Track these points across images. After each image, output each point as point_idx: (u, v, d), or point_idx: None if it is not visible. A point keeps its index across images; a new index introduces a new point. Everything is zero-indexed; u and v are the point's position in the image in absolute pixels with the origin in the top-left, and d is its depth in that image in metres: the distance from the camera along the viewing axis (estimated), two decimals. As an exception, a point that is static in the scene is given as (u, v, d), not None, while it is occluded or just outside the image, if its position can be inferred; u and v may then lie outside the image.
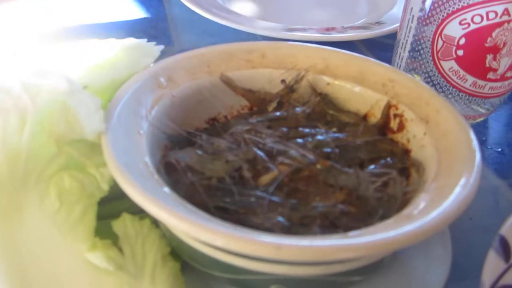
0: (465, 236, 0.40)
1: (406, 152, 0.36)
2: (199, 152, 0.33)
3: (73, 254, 0.28)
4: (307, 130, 0.36)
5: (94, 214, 0.30)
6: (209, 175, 0.32)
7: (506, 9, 0.42)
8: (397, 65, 0.52)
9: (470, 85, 0.47)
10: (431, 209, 0.26)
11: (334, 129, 0.37)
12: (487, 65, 0.45)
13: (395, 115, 0.38)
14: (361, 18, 0.69)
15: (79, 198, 0.30)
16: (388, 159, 0.34)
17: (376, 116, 0.39)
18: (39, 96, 0.28)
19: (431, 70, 0.48)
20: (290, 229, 0.29)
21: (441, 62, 0.47)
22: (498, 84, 0.47)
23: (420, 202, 0.28)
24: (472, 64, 0.46)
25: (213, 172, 0.32)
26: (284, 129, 0.36)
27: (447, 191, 0.28)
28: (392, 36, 0.63)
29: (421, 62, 0.49)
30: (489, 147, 0.50)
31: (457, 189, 0.27)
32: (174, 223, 0.24)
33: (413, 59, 0.49)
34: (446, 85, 0.48)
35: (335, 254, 0.23)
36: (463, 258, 0.36)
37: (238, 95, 0.41)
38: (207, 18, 0.62)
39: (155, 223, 0.31)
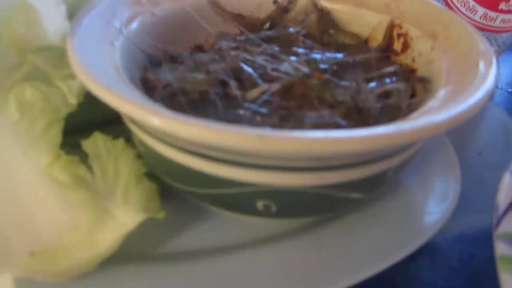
0: (474, 171, 0.36)
1: (411, 71, 0.32)
2: (181, 68, 0.30)
3: (33, 167, 0.25)
4: (301, 50, 0.33)
5: (60, 129, 0.27)
6: (190, 90, 0.28)
7: None
8: None
9: (480, 17, 0.43)
10: (445, 107, 0.23)
11: (333, 51, 0.34)
12: (500, -7, 0.42)
13: (399, 35, 0.34)
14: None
15: (43, 111, 0.26)
16: (393, 78, 0.31)
17: (378, 40, 0.35)
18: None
19: (438, 0, 0.44)
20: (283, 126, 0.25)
21: (449, -8, 0.43)
22: (511, 16, 0.43)
23: (428, 105, 0.25)
24: (483, -8, 0.42)
25: (194, 86, 0.28)
26: (276, 49, 0.32)
27: (459, 93, 0.24)
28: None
29: (427, -4, 0.45)
30: (499, 87, 0.47)
31: (470, 90, 0.24)
32: (145, 117, 0.21)
33: (418, -6, 0.46)
34: (454, 19, 0.44)
35: (332, 145, 0.20)
36: (472, 192, 0.33)
37: (226, 21, 0.37)
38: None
39: (130, 141, 0.28)
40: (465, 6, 0.43)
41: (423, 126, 0.21)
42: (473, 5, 0.43)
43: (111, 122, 0.29)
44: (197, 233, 0.28)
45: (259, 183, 0.23)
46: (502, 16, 0.43)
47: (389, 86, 0.28)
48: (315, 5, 0.35)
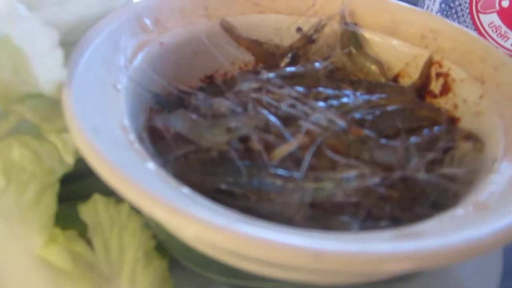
0: None
1: (453, 121, 0.29)
2: (194, 116, 0.25)
3: (24, 249, 0.21)
4: (329, 91, 0.29)
5: (54, 197, 0.22)
6: (206, 147, 0.24)
7: None
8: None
9: (511, 45, 0.40)
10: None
11: (362, 91, 0.30)
12: (536, 19, 0.38)
13: (438, 74, 0.30)
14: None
15: (34, 175, 0.22)
16: (436, 128, 0.27)
17: (411, 76, 0.32)
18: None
19: (467, 26, 0.40)
20: (317, 220, 0.22)
21: (480, 15, 0.40)
22: (546, 43, 0.40)
23: (490, 186, 0.21)
24: (518, 18, 0.38)
25: (211, 143, 0.24)
26: (301, 89, 0.28)
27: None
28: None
29: (455, 16, 0.41)
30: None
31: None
32: (161, 215, 0.17)
33: (444, 13, 0.42)
34: (484, 44, 0.40)
35: (395, 264, 0.16)
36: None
37: (241, 47, 0.33)
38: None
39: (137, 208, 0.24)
40: (496, 31, 0.39)
41: (503, 232, 0.17)
42: (505, 31, 0.39)
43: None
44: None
45: (295, 281, 0.20)
46: (536, 43, 0.40)
47: (444, 154, 0.24)
48: (343, 24, 0.31)
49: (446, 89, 0.30)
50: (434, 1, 0.43)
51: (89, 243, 0.22)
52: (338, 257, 0.15)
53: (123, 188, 0.17)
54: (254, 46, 0.33)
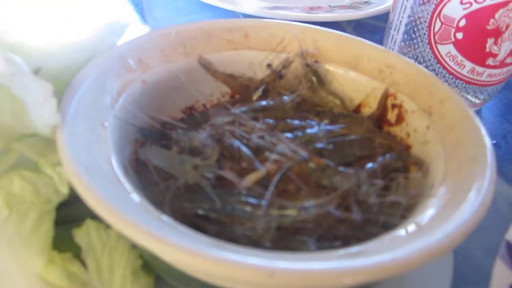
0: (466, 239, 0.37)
1: (406, 148, 0.32)
2: (166, 152, 0.29)
3: (26, 271, 0.24)
4: (296, 122, 0.32)
5: (51, 223, 0.26)
6: (181, 179, 0.27)
7: (512, -11, 0.39)
8: (390, 49, 0.48)
9: (468, 72, 0.44)
10: (444, 219, 0.23)
11: (326, 121, 0.33)
12: (487, 49, 0.42)
13: (394, 106, 0.34)
14: (348, -4, 0.64)
15: (33, 204, 0.25)
16: (387, 155, 0.31)
17: (371, 106, 0.35)
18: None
19: (427, 55, 0.44)
20: (281, 241, 0.25)
21: (438, 46, 0.43)
22: (497, 71, 0.44)
23: (429, 209, 0.25)
24: (471, 49, 0.42)
25: (184, 176, 0.27)
26: (271, 121, 0.32)
27: (459, 197, 0.24)
28: (381, 18, 0.59)
29: (416, 46, 0.45)
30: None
31: (471, 195, 0.24)
32: (145, 242, 0.20)
33: (407, 43, 0.46)
34: (442, 72, 0.44)
35: (337, 279, 0.19)
36: (464, 264, 0.33)
37: (218, 80, 0.36)
38: (183, -7, 0.57)
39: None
40: (453, 60, 0.43)
41: (431, 249, 0.21)
42: (461, 60, 0.43)
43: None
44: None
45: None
46: (489, 70, 0.43)
47: (391, 181, 0.28)
48: (305, 64, 0.35)
49: (400, 119, 0.33)
50: (398, 32, 0.47)
51: (83, 263, 0.25)
52: (287, 275, 0.19)
53: (110, 219, 0.21)
54: (230, 79, 0.36)
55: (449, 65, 0.44)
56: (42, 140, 0.26)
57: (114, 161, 0.25)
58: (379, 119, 0.34)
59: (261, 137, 0.30)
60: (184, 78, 0.34)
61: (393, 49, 0.47)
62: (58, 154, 0.24)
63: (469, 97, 0.46)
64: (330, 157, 0.29)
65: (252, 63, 0.37)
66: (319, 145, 0.30)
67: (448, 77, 0.44)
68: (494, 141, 0.47)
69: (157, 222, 0.22)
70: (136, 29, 0.35)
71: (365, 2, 0.60)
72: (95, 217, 0.27)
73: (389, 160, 0.30)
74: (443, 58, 0.44)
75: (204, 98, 0.36)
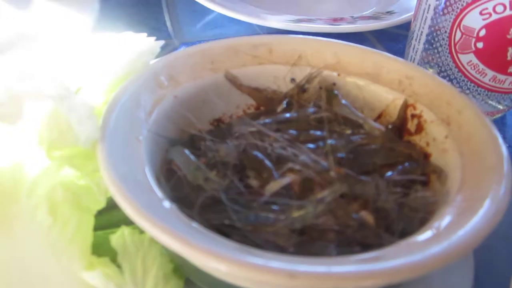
0: (485, 243, 0.37)
1: (426, 156, 0.33)
2: (188, 155, 0.31)
3: (68, 274, 0.26)
4: (318, 133, 0.34)
5: (90, 229, 0.28)
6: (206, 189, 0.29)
7: (531, -1, 0.39)
8: (411, 58, 0.49)
9: (489, 80, 0.44)
10: (460, 226, 0.24)
11: (348, 131, 0.34)
12: (509, 58, 0.42)
13: (413, 116, 0.35)
14: (370, 7, 0.65)
15: (74, 212, 0.27)
16: (406, 164, 0.32)
17: (392, 116, 0.36)
18: (25, 103, 0.25)
19: (448, 64, 0.45)
20: (303, 246, 0.27)
21: (459, 55, 0.44)
22: (520, 78, 0.44)
23: (445, 217, 0.26)
24: (492, 57, 0.43)
25: (196, 182, 0.29)
26: (294, 132, 0.33)
27: (475, 205, 0.25)
28: (404, 27, 0.60)
29: (437, 56, 0.46)
30: (507, 145, 0.47)
31: (486, 203, 0.25)
32: (175, 246, 0.22)
33: (428, 52, 0.47)
34: (463, 80, 0.45)
35: (356, 282, 0.21)
36: (484, 267, 0.34)
37: (244, 93, 0.38)
38: (209, 9, 0.59)
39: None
40: (474, 69, 0.44)
41: (446, 253, 0.22)
42: (482, 68, 0.44)
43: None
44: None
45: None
46: (511, 78, 0.44)
47: (407, 189, 0.29)
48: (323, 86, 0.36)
49: (419, 128, 0.34)
50: (419, 42, 0.48)
51: (119, 267, 0.28)
52: (308, 276, 0.20)
53: (144, 225, 0.23)
54: (255, 93, 0.38)
55: (470, 73, 0.44)
56: (81, 152, 0.29)
57: (147, 172, 0.27)
58: (400, 129, 0.35)
59: (283, 148, 0.31)
60: (212, 93, 0.37)
61: (414, 59, 0.48)
62: (99, 166, 0.26)
63: (492, 103, 0.47)
64: (351, 166, 0.31)
65: (276, 77, 0.38)
66: (340, 155, 0.32)
67: (470, 85, 0.45)
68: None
69: (187, 228, 0.24)
70: (167, 46, 0.37)
71: (387, 12, 0.61)
72: (129, 223, 0.29)
73: (409, 168, 0.32)
74: (464, 67, 0.44)
75: (231, 110, 0.38)
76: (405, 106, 0.35)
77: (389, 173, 0.31)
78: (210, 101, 0.37)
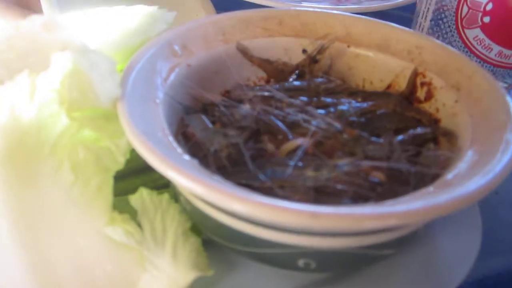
0: (493, 211, 0.38)
1: (435, 121, 0.34)
2: (205, 121, 0.31)
3: (91, 228, 0.27)
4: (329, 99, 0.34)
5: (111, 188, 0.28)
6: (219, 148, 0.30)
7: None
8: (417, 36, 0.50)
9: (495, 55, 0.45)
10: (472, 175, 0.25)
11: (359, 99, 0.35)
12: (515, 32, 0.43)
13: (423, 84, 0.36)
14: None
15: (95, 171, 0.28)
16: (417, 128, 0.32)
17: (401, 86, 0.37)
18: (49, 54, 0.26)
19: (455, 40, 0.46)
20: (319, 202, 0.27)
21: (465, 30, 0.45)
22: (525, 53, 0.45)
23: (458, 170, 0.27)
24: (498, 32, 0.44)
25: (214, 146, 0.30)
26: (305, 99, 0.34)
27: (486, 158, 0.26)
28: (408, 9, 0.60)
29: (444, 32, 0.47)
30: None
31: (498, 156, 0.26)
32: (201, 191, 0.22)
33: (434, 29, 0.47)
34: (469, 56, 0.46)
35: (378, 221, 0.21)
36: (492, 235, 0.35)
37: (254, 65, 0.39)
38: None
39: (175, 197, 0.30)
40: (480, 44, 0.45)
41: (457, 199, 0.23)
42: (488, 43, 0.44)
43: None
44: (236, 283, 0.30)
45: (303, 246, 0.25)
46: (516, 53, 0.45)
47: (419, 148, 0.30)
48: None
49: (429, 96, 0.35)
50: (426, 19, 0.48)
51: (139, 225, 0.28)
52: (330, 216, 0.21)
53: (171, 173, 0.23)
54: (265, 64, 0.38)
55: (476, 49, 0.45)
56: (101, 114, 0.29)
57: (166, 130, 0.28)
58: (409, 97, 0.36)
59: (296, 112, 0.32)
60: (224, 64, 0.37)
61: (421, 36, 0.49)
62: (121, 122, 0.27)
63: (497, 79, 0.47)
64: (362, 130, 0.31)
65: (287, 49, 0.39)
66: (352, 118, 0.32)
67: (476, 61, 0.46)
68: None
69: (210, 178, 0.24)
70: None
71: (392, -7, 0.62)
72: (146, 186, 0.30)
73: (420, 132, 0.32)
74: (470, 42, 0.45)
75: (241, 81, 0.38)
76: (415, 74, 0.36)
77: (400, 137, 0.32)
78: (221, 72, 0.37)
